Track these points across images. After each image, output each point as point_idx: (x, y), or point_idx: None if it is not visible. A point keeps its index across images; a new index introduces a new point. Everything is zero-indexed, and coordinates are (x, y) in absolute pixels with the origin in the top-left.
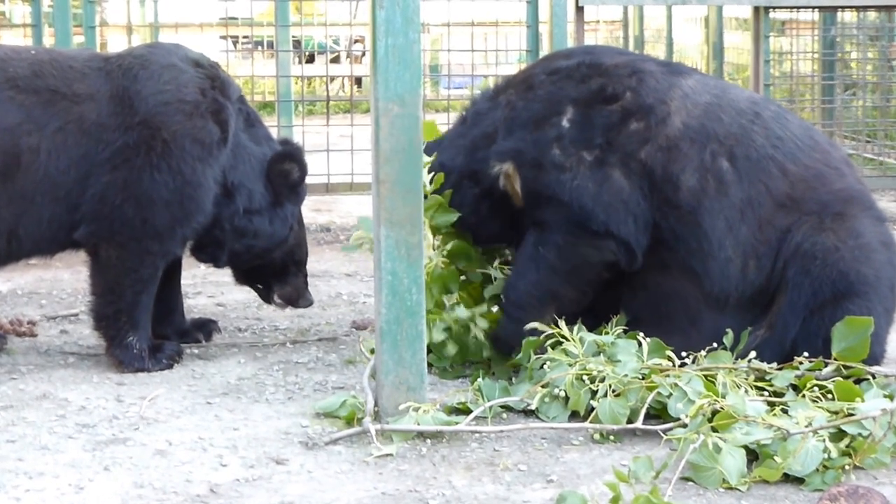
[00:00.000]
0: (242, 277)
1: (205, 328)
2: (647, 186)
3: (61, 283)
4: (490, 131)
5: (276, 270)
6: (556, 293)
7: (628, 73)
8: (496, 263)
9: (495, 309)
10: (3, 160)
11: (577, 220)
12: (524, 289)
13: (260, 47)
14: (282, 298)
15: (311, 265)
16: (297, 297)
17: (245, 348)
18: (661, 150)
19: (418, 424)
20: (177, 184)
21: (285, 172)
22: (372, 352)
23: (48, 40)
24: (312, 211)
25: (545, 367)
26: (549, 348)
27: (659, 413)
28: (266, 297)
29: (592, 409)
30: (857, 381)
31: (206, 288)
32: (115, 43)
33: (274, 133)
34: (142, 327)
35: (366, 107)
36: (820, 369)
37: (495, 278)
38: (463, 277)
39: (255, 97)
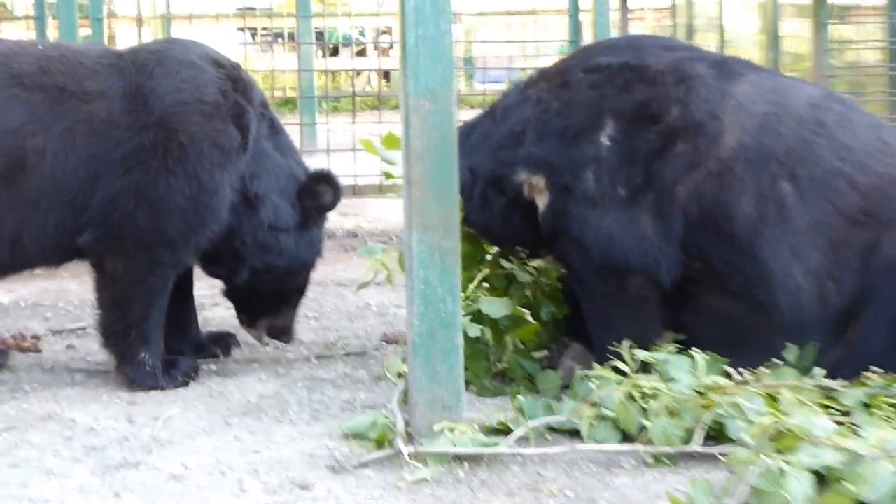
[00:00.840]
0: (236, 292)
1: (223, 342)
2: (691, 218)
3: (67, 294)
4: (518, 130)
5: (279, 297)
6: (638, 332)
7: (675, 81)
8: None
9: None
10: (7, 162)
11: (599, 263)
12: (606, 344)
13: (280, 40)
14: (268, 330)
15: (338, 273)
16: (284, 333)
17: (266, 364)
18: (712, 176)
19: (455, 446)
20: (193, 190)
21: (318, 194)
22: (400, 375)
23: (52, 33)
24: (339, 215)
25: (592, 384)
26: (596, 366)
27: (717, 434)
28: (248, 321)
29: (644, 429)
30: None
31: (225, 300)
32: (124, 36)
33: (297, 132)
34: (153, 342)
35: (395, 103)
36: (892, 386)
37: (522, 279)
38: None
39: (275, 93)
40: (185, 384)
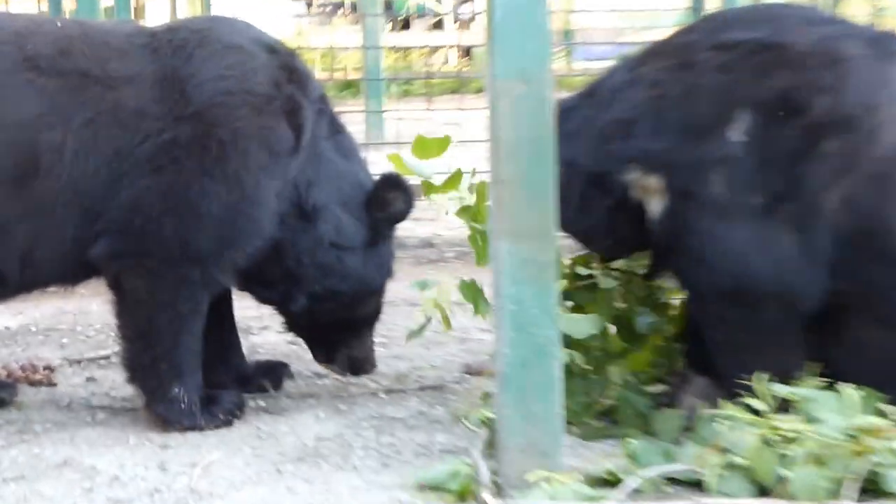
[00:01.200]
0: (298, 323)
1: (273, 374)
2: (841, 233)
3: (88, 315)
4: (627, 118)
5: (350, 324)
6: (774, 364)
7: (823, 64)
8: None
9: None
10: (18, 162)
11: (725, 286)
12: (736, 377)
13: (341, 10)
14: (347, 365)
15: (410, 291)
16: (365, 364)
17: (325, 399)
18: (868, 182)
19: (553, 500)
20: (233, 197)
21: (387, 202)
22: (485, 423)
23: (68, 5)
24: (412, 221)
25: (720, 425)
26: (723, 403)
27: (873, 487)
28: (325, 356)
29: (783, 480)
30: None
31: (275, 321)
32: (154, 11)
33: (360, 121)
34: (188, 375)
35: (479, 85)
36: None
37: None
38: None
39: (334, 74)
40: (228, 423)
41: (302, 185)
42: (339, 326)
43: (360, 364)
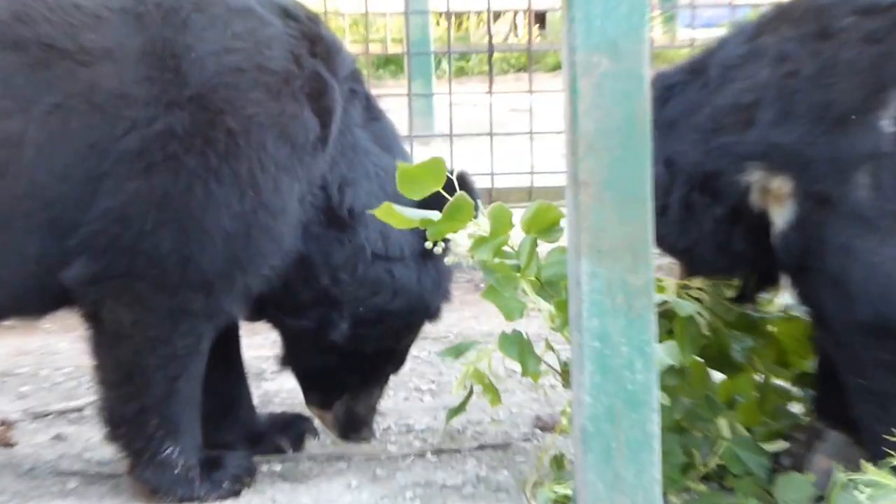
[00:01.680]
0: (303, 364)
1: (292, 430)
2: None
3: (55, 357)
4: (746, 102)
5: (371, 364)
6: None
7: None
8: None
9: None
10: None
11: (869, 317)
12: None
13: None
14: (342, 418)
15: (465, 323)
16: (361, 426)
17: (358, 462)
18: None
19: None
20: (247, 204)
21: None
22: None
23: None
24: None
25: (861, 493)
26: (866, 467)
27: None
28: (319, 400)
29: None
30: None
31: None
32: None
33: (403, 107)
34: (184, 431)
35: (555, 61)
36: None
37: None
38: None
39: (370, 48)
40: (235, 494)
41: (333, 186)
42: (356, 365)
43: (356, 423)
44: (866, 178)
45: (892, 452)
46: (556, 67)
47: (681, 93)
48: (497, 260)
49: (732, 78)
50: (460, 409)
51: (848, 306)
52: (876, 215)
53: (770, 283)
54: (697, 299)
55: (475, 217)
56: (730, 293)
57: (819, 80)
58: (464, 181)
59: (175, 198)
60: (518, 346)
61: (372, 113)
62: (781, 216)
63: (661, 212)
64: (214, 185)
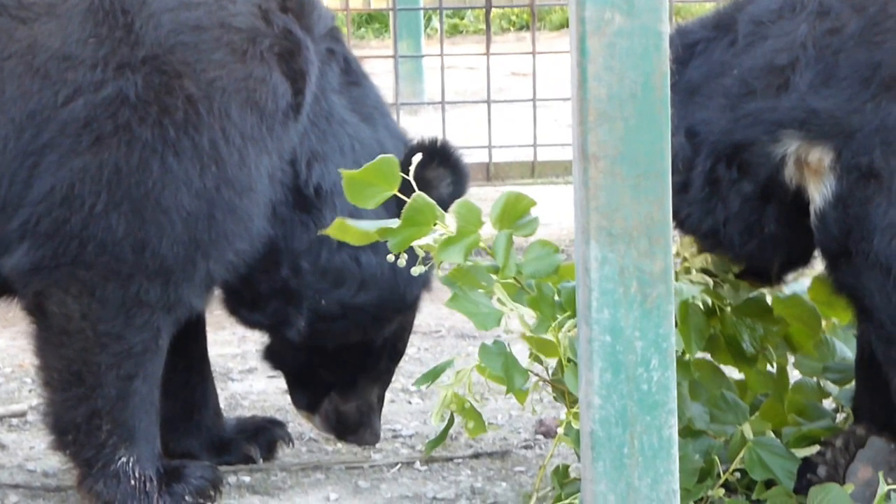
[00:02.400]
0: (287, 361)
1: (262, 436)
2: None
3: None
4: (781, 63)
5: (357, 359)
6: None
7: None
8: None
9: None
10: None
11: None
12: None
13: None
14: (331, 420)
15: (458, 317)
16: (362, 426)
17: (338, 473)
18: None
19: None
20: (209, 181)
21: (427, 182)
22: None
23: None
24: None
25: None
26: None
27: None
28: (306, 402)
29: None
30: None
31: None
32: None
33: (388, 71)
34: (141, 439)
35: (561, 18)
36: None
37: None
38: None
39: (350, 2)
40: None
41: (301, 161)
42: (342, 360)
43: (349, 424)
44: None
45: None
46: (563, 25)
47: (704, 52)
48: (470, 262)
49: (765, 35)
50: (440, 440)
51: (892, 292)
52: None
53: (798, 265)
54: (700, 282)
55: (440, 218)
56: (736, 269)
57: (865, 37)
58: (446, 154)
59: (128, 174)
60: (502, 358)
61: (351, 77)
62: (821, 193)
63: (682, 189)
64: (172, 160)
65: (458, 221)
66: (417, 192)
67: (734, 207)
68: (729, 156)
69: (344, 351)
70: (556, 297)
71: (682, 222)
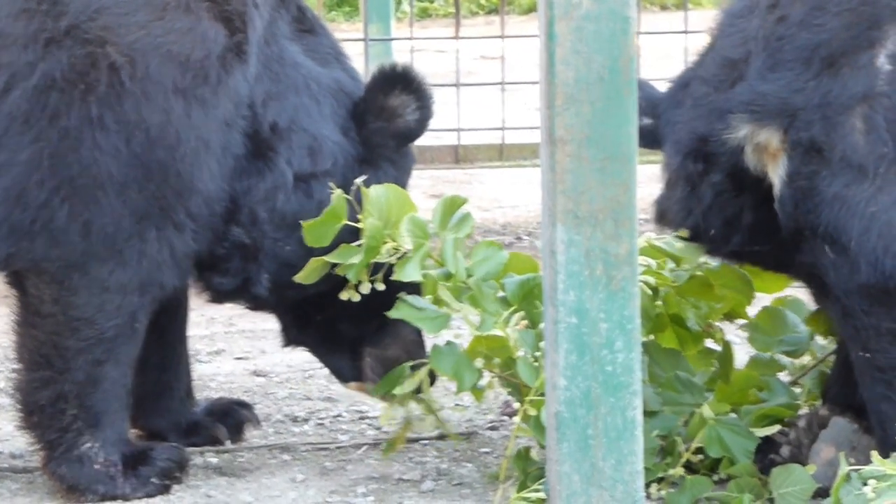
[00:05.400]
0: (301, 329)
1: (230, 418)
2: None
3: None
4: (737, 57)
5: (371, 306)
6: None
7: None
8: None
9: None
10: None
11: (872, 278)
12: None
13: None
14: (381, 374)
15: None
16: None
17: (305, 454)
18: None
19: None
20: (136, 147)
21: (391, 110)
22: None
23: None
24: (430, 197)
25: (869, 487)
26: (874, 457)
27: None
28: (348, 372)
29: None
30: None
31: (234, 342)
32: None
33: (359, 54)
34: (108, 422)
35: (529, 2)
36: None
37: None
38: None
39: None
40: (164, 490)
41: (258, 104)
42: (346, 307)
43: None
44: (859, 123)
45: None
46: (532, 9)
47: (690, 72)
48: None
49: (728, 34)
50: (398, 441)
51: (847, 266)
52: (871, 161)
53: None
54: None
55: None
56: (680, 243)
57: (808, 21)
58: (408, 79)
59: (62, 159)
60: (453, 359)
61: (305, 25)
62: (777, 174)
63: (670, 191)
64: (99, 135)
65: (409, 237)
66: (369, 220)
67: (708, 199)
68: (695, 150)
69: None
70: (501, 293)
71: (670, 221)
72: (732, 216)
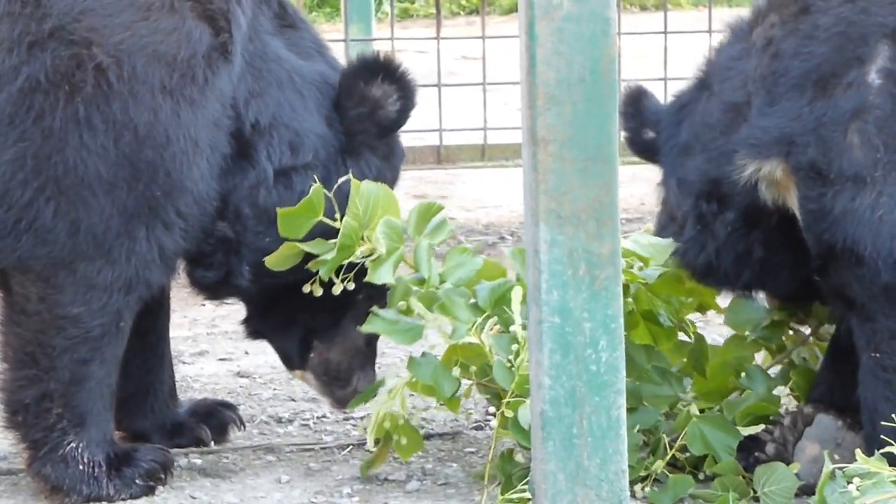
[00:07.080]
0: (262, 317)
1: (214, 419)
2: None
3: None
4: (739, 100)
5: (330, 304)
6: None
7: None
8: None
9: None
10: None
11: (886, 278)
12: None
13: None
14: (322, 372)
15: None
16: (351, 374)
17: (289, 455)
18: None
19: None
20: (123, 147)
21: (374, 101)
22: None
23: None
24: (413, 197)
25: (853, 485)
26: (858, 455)
27: None
28: (295, 360)
29: None
30: None
31: (217, 343)
32: None
33: (340, 53)
34: (92, 424)
35: (510, 3)
36: None
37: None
38: None
39: None
40: (150, 491)
41: (240, 102)
42: (307, 300)
43: (340, 372)
44: (855, 138)
45: (890, 439)
46: (512, 10)
47: (691, 113)
48: (402, 277)
49: (729, 79)
50: (377, 460)
51: (868, 273)
52: (868, 169)
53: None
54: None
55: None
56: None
57: (799, 52)
58: (390, 68)
59: (49, 161)
60: (431, 368)
61: (287, 20)
62: (794, 203)
63: (680, 232)
64: (86, 135)
65: (383, 239)
66: (346, 219)
67: (721, 237)
68: (708, 192)
69: (323, 299)
70: (473, 300)
71: (684, 262)
72: (744, 252)
